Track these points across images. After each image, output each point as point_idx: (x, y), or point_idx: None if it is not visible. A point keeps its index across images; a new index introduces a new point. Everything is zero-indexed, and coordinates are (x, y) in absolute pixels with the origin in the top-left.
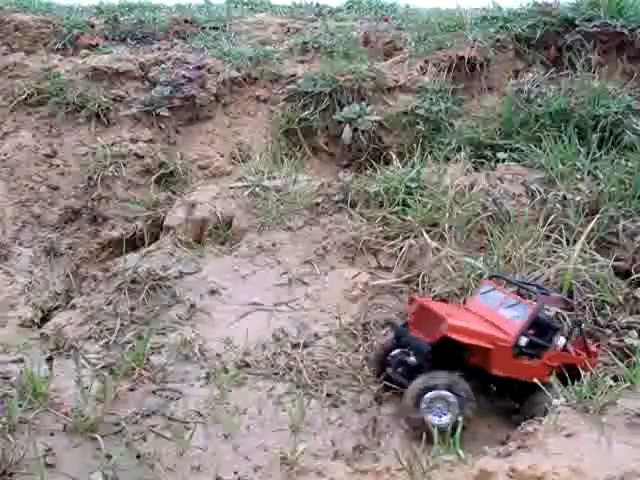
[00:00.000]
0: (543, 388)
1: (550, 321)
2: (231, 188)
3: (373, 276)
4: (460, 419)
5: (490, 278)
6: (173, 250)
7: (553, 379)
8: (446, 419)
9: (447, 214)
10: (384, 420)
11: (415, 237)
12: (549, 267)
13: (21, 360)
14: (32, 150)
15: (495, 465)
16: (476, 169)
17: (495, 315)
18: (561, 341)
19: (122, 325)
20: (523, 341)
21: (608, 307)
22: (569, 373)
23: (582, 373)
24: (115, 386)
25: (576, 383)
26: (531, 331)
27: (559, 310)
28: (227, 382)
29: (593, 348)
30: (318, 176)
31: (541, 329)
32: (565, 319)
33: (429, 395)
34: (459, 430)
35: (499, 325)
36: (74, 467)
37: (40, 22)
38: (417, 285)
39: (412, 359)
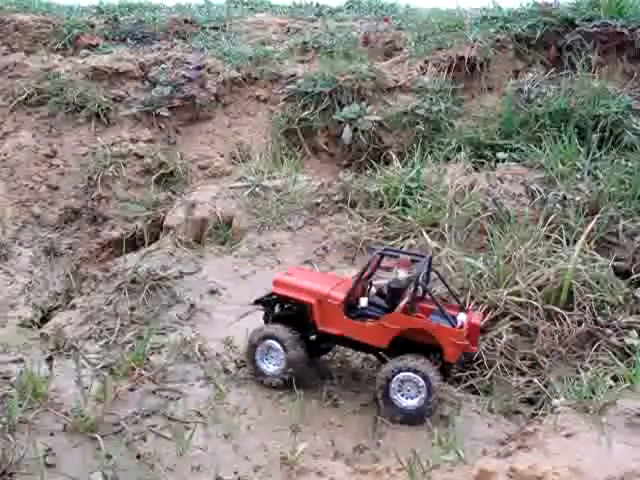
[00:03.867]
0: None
1: (396, 284)
2: (231, 188)
3: (373, 276)
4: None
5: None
6: (173, 250)
7: (555, 380)
8: (275, 367)
9: (447, 214)
10: (384, 420)
11: (415, 237)
12: (549, 267)
13: (21, 360)
14: (32, 150)
15: (495, 465)
16: (476, 169)
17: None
18: (402, 304)
19: (122, 325)
20: (363, 302)
21: (608, 307)
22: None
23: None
24: (115, 386)
25: (576, 383)
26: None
27: (410, 273)
28: (227, 382)
29: (475, 320)
30: (318, 176)
31: (393, 293)
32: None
33: (261, 346)
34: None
35: (345, 288)
36: (74, 467)
37: (40, 22)
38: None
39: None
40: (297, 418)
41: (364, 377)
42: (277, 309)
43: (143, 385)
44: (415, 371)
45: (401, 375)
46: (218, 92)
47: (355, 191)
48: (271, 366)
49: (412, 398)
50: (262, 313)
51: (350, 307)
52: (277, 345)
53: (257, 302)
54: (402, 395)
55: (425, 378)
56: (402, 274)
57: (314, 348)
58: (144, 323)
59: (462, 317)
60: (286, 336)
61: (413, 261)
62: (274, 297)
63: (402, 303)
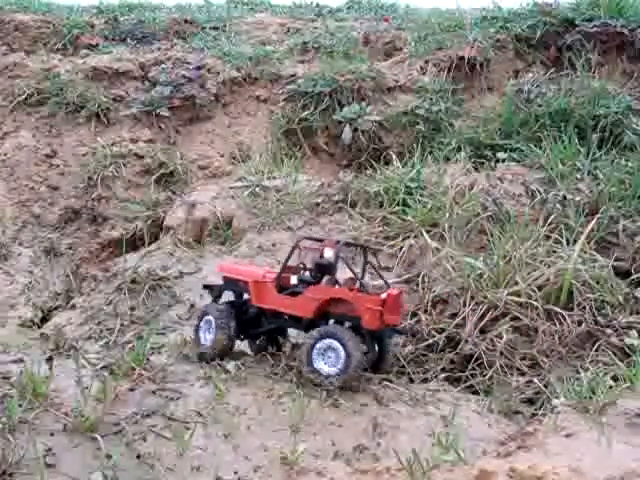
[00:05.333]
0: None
1: (322, 261)
2: (231, 188)
3: (373, 276)
4: (216, 338)
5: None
6: (173, 250)
7: (555, 380)
8: (210, 338)
9: (447, 214)
10: (384, 420)
11: (415, 237)
12: (549, 267)
13: (21, 360)
14: (32, 150)
15: (495, 465)
16: (476, 169)
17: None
18: (326, 278)
19: (122, 325)
20: (294, 280)
21: (608, 307)
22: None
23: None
24: (115, 386)
25: (576, 383)
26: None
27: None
28: (227, 382)
29: (393, 291)
30: (318, 176)
31: (319, 269)
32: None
33: (203, 319)
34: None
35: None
36: (74, 467)
37: (40, 22)
38: (417, 285)
39: None
40: (297, 418)
41: (364, 377)
42: (226, 295)
43: (143, 385)
44: (335, 337)
45: (323, 342)
46: (218, 92)
47: (355, 191)
48: (208, 338)
49: (333, 365)
50: None
51: (282, 288)
52: (211, 318)
53: (206, 287)
54: (324, 362)
55: (344, 345)
56: (328, 253)
57: (249, 329)
58: (144, 323)
59: (384, 295)
60: (217, 313)
61: (337, 242)
62: (222, 284)
63: (326, 278)
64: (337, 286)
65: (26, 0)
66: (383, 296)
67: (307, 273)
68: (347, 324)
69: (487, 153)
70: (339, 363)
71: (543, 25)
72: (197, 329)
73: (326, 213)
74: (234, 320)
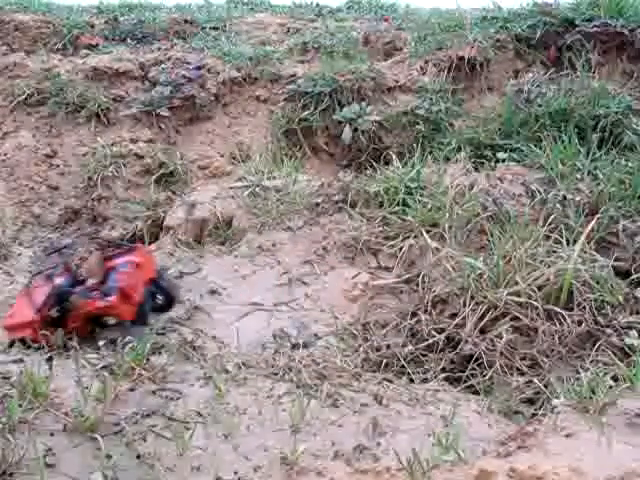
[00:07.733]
0: None
1: (59, 291)
2: (231, 188)
3: (373, 276)
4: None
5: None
6: (173, 250)
7: (555, 380)
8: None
9: (447, 214)
10: (384, 420)
11: (415, 237)
12: (549, 267)
13: (21, 360)
14: (32, 150)
15: (495, 465)
16: (476, 169)
17: None
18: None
19: None
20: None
21: (608, 307)
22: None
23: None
24: (115, 386)
25: (576, 383)
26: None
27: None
28: (227, 382)
29: (133, 293)
30: (318, 176)
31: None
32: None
33: None
34: None
35: None
36: (74, 467)
37: (40, 22)
38: (417, 285)
39: None
40: (297, 418)
41: (364, 377)
42: None
43: (143, 385)
44: None
45: None
46: (218, 92)
47: (355, 191)
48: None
49: None
50: (262, 313)
51: None
52: None
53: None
54: None
55: None
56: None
57: None
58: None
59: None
60: None
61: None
62: None
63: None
64: None
65: (26, 0)
66: None
67: None
68: None
69: (487, 153)
70: None
71: (543, 25)
72: None
73: (326, 213)
74: None
